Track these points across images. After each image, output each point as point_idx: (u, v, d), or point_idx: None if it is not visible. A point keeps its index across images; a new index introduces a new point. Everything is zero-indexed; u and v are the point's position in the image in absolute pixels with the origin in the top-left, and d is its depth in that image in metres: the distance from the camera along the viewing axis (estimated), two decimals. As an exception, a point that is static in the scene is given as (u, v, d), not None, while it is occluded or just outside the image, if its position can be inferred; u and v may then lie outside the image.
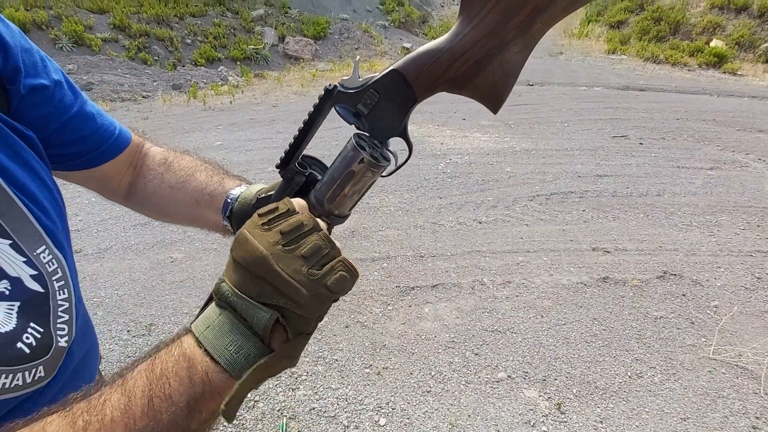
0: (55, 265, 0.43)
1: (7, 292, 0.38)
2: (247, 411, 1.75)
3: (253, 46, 10.74)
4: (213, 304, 0.36)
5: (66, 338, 0.42)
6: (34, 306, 0.40)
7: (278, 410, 1.76)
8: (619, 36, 13.10)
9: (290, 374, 1.93)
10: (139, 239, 3.01)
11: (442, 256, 2.88)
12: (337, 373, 1.95)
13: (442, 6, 18.26)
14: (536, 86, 8.90)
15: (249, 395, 1.45)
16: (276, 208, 0.36)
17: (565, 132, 5.72)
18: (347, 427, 1.69)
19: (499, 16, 0.31)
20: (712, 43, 11.48)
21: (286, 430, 1.67)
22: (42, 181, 0.44)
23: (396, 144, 0.45)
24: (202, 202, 0.57)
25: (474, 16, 0.32)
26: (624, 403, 1.83)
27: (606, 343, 2.16)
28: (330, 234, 0.40)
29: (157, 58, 9.44)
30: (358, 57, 0.40)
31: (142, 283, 2.54)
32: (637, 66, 11.31)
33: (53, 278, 0.42)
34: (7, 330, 0.37)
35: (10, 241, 0.39)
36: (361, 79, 0.39)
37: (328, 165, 0.45)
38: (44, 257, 0.42)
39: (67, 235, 0.47)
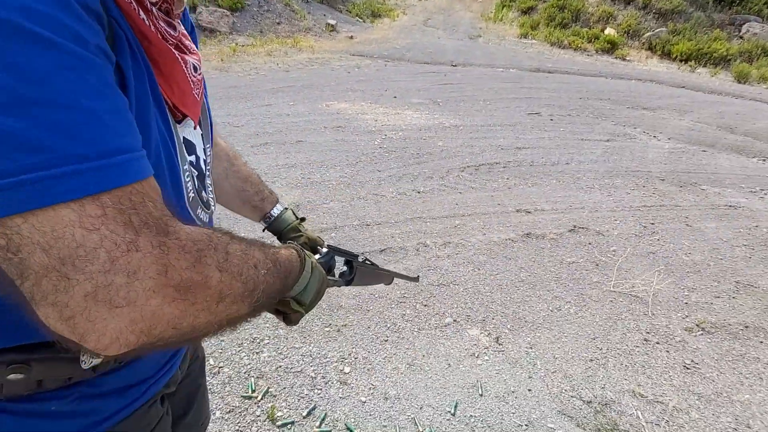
0: (210, 160, 0.63)
1: (193, 165, 0.55)
2: (212, 377, 1.77)
3: (163, 16, 9.78)
4: None
5: (213, 206, 0.63)
6: (200, 179, 0.58)
7: (244, 372, 1.81)
8: (529, 21, 14.13)
9: (252, 340, 1.98)
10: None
11: (386, 224, 3.05)
12: (299, 334, 2.04)
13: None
14: (459, 66, 9.35)
15: (212, 362, 1.51)
16: None
17: (487, 109, 6.18)
18: (314, 378, 1.81)
19: None
20: (606, 31, 12.92)
21: (254, 388, 1.74)
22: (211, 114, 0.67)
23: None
24: (248, 205, 0.85)
25: None
26: (548, 331, 2.17)
27: (531, 286, 2.51)
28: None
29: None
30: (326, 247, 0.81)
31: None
32: (546, 50, 12.35)
33: (208, 167, 0.61)
34: (194, 188, 0.55)
35: (202, 132, 0.59)
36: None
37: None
38: (208, 152, 0.61)
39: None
